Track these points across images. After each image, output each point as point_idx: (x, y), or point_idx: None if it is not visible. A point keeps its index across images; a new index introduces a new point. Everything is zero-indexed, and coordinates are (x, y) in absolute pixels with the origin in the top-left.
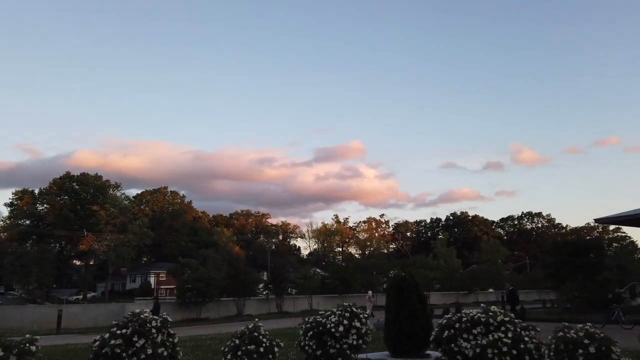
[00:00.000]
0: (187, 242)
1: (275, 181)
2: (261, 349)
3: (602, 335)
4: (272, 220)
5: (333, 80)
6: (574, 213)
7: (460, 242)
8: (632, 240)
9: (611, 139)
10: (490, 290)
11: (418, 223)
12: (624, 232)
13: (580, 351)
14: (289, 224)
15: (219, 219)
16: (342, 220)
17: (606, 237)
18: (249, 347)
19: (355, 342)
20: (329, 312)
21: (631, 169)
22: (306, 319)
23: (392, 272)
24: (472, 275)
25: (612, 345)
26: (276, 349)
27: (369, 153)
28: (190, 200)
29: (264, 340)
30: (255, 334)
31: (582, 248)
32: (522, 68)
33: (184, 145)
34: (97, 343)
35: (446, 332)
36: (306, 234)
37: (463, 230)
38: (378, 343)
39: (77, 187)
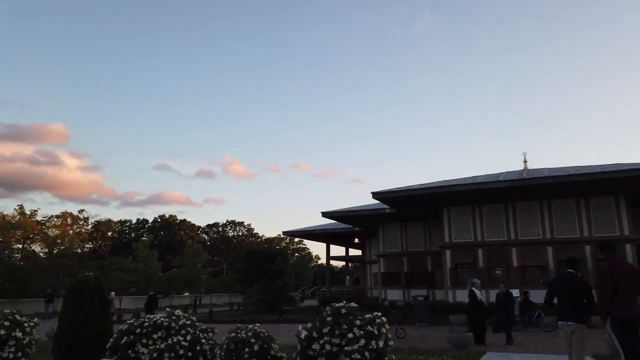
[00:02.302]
0: None
1: None
2: None
3: (266, 334)
4: None
5: (35, 51)
6: (270, 225)
7: (165, 246)
8: (310, 252)
9: (303, 165)
10: (186, 293)
11: (122, 223)
12: (305, 245)
13: (247, 349)
14: None
15: None
16: (29, 213)
17: (291, 248)
18: None
19: (13, 355)
20: None
21: (315, 192)
22: None
23: (80, 274)
24: (170, 278)
25: (272, 342)
26: None
27: (74, 140)
28: None
29: None
30: None
31: (270, 256)
32: (242, 89)
33: None
34: None
35: (125, 338)
36: None
37: (169, 233)
38: (47, 354)
39: None
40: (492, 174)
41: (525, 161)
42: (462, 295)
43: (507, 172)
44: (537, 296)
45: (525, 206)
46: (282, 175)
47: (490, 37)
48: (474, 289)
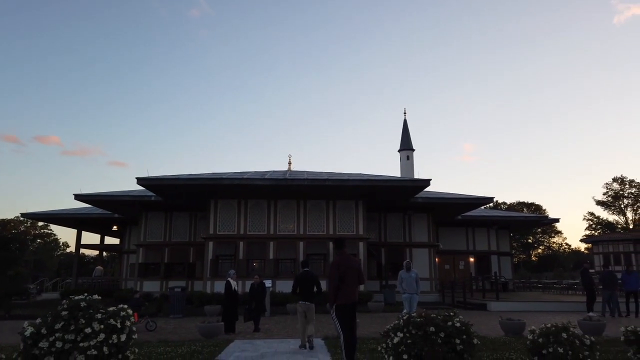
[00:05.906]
0: None
1: None
2: None
3: None
4: None
5: None
6: (6, 205)
7: None
8: (57, 238)
9: (52, 138)
10: None
11: None
12: (51, 230)
13: None
14: None
15: None
16: None
17: (32, 233)
18: None
19: None
20: None
21: (67, 171)
22: None
23: None
24: None
25: None
26: None
27: None
28: None
29: None
30: None
31: (2, 241)
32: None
33: None
34: None
35: None
36: None
37: None
38: None
39: None
40: (260, 172)
41: (289, 162)
42: (220, 286)
43: (273, 171)
44: (287, 286)
45: (285, 204)
46: (23, 147)
47: (270, 37)
48: (229, 279)
